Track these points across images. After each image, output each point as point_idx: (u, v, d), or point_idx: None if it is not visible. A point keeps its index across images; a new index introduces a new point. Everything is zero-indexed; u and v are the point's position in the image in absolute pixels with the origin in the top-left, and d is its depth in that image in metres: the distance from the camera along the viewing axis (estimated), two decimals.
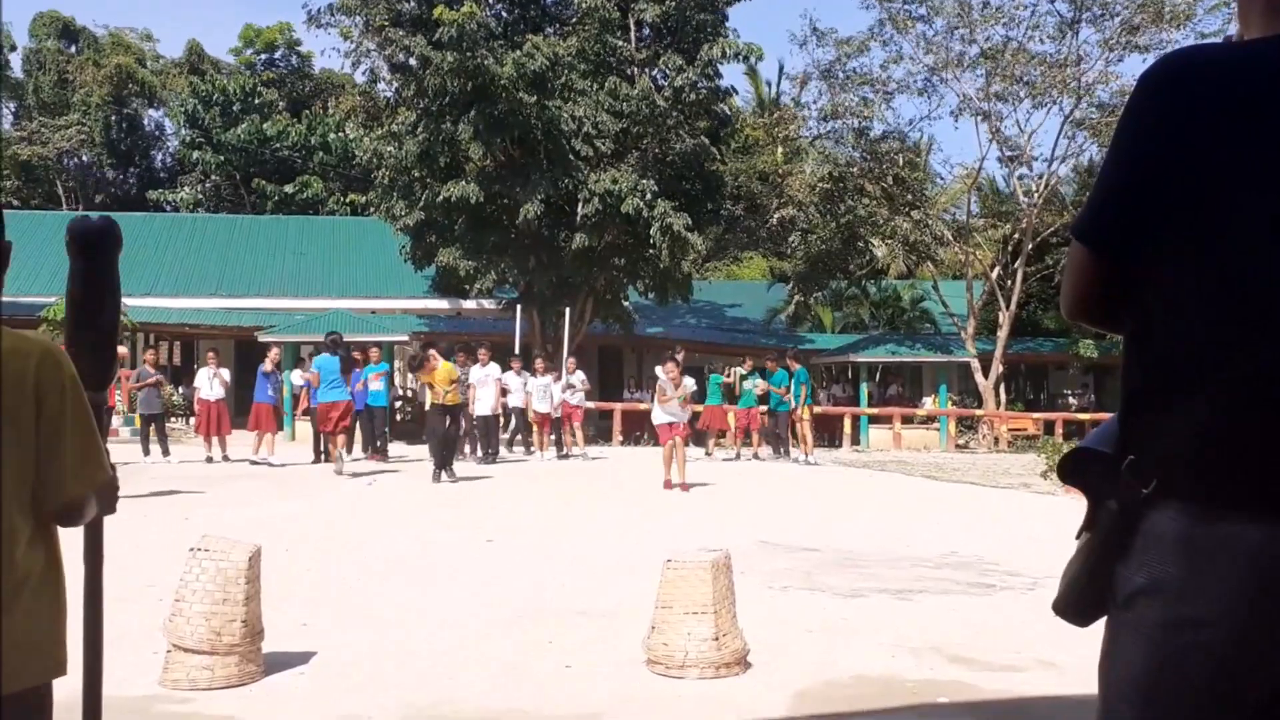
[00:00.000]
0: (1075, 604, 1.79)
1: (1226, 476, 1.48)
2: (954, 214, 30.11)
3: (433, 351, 14.25)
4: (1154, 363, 1.56)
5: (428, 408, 18.35)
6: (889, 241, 29.00)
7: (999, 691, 4.69)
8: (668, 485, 12.93)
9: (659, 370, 13.68)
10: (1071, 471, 1.76)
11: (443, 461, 13.29)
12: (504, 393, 17.32)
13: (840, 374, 31.04)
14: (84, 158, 45.54)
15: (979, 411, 26.98)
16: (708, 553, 5.05)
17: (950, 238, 28.08)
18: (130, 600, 5.60)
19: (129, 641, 4.86)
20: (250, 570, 4.65)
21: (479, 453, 16.90)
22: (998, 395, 27.40)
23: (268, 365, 16.86)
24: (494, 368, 17.43)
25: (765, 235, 30.70)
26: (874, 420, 26.10)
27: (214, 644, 4.51)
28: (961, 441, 25.76)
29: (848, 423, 25.26)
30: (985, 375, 26.89)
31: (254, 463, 15.68)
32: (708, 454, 18.39)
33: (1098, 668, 1.82)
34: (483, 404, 16.84)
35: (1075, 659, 5.14)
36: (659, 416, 13.63)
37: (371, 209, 26.29)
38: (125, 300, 25.06)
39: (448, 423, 13.59)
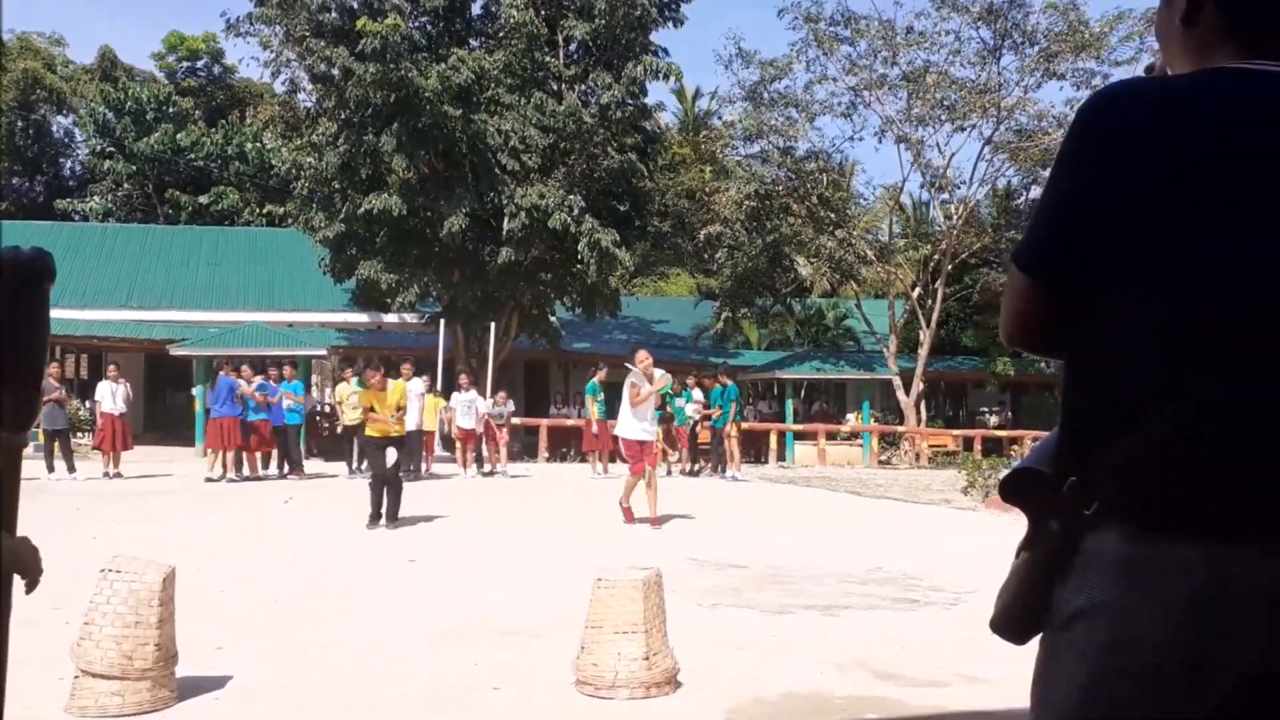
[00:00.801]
0: (1013, 622, 1.79)
1: (1165, 500, 1.49)
2: (876, 234, 30.64)
3: (377, 369, 11.55)
4: (1094, 388, 1.57)
5: (361, 431, 18.14)
6: (813, 260, 29.38)
7: (925, 707, 4.71)
8: (630, 518, 10.78)
9: (629, 364, 10.96)
10: (1013, 491, 1.76)
11: (378, 510, 10.58)
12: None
13: (766, 390, 31.32)
14: None
15: (901, 428, 27.39)
16: (638, 571, 4.99)
17: (873, 257, 28.54)
18: (35, 623, 5.36)
19: (32, 667, 4.64)
20: (164, 591, 4.46)
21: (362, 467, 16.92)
22: (919, 412, 27.87)
23: (244, 384, 16.48)
24: (417, 383, 17.22)
25: (692, 251, 30.88)
26: (799, 436, 26.37)
27: (125, 669, 4.32)
28: (884, 458, 26.12)
29: (774, 439, 25.47)
30: (907, 392, 27.34)
31: (210, 480, 15.61)
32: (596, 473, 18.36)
33: (1031, 688, 1.81)
34: (407, 419, 16.63)
35: (1000, 674, 5.20)
36: (629, 429, 10.79)
37: (290, 220, 25.86)
38: None
39: (389, 460, 10.72)
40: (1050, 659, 1.69)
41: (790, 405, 29.07)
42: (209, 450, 16.82)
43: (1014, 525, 10.70)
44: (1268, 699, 1.57)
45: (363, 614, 6.47)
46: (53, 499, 11.41)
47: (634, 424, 10.65)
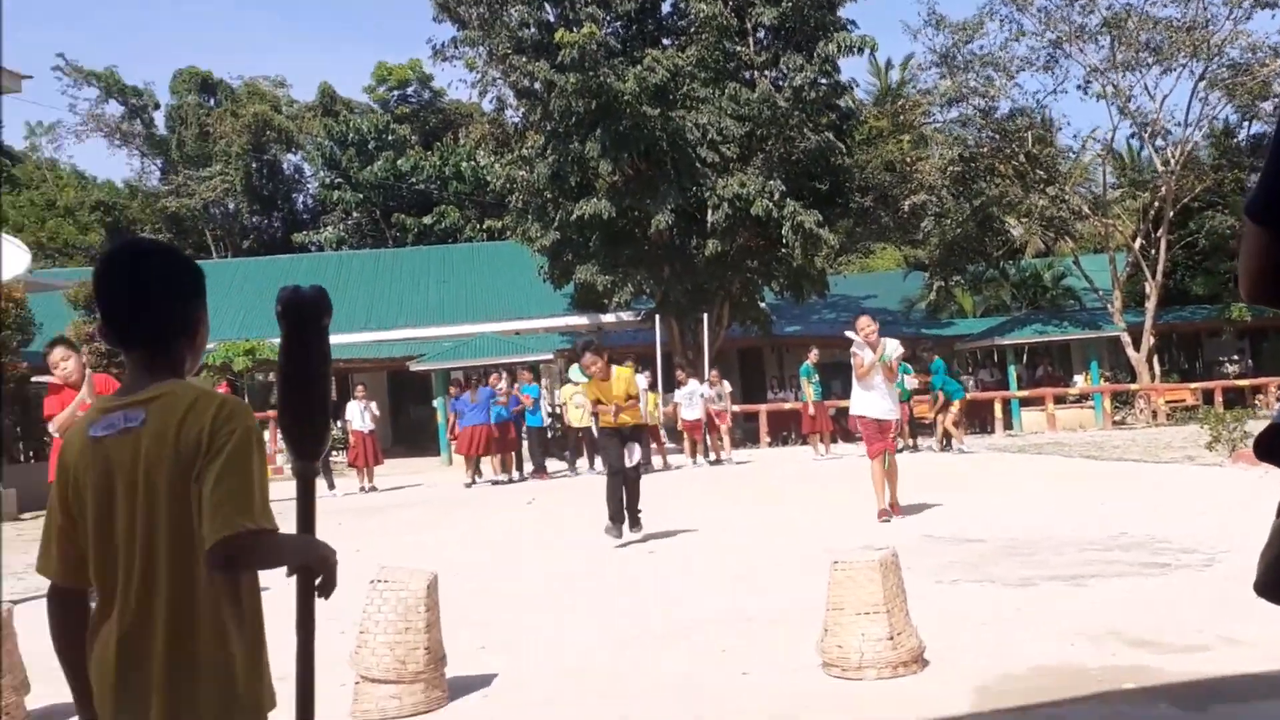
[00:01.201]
0: (1277, 584, 1.78)
1: None
2: (1089, 187, 29.07)
3: (598, 353, 9.70)
4: None
5: (589, 430, 18.87)
6: (1025, 220, 28.19)
7: (1186, 674, 4.56)
8: (883, 515, 9.55)
9: (850, 333, 9.79)
10: (1269, 449, 1.74)
11: (619, 510, 9.23)
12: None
13: (986, 358, 30.29)
14: (229, 206, 47.90)
15: (1133, 386, 25.95)
16: (874, 551, 5.05)
17: (1088, 211, 27.14)
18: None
19: (317, 676, 5.10)
20: (429, 598, 4.78)
21: (600, 465, 17.37)
22: (1151, 368, 26.33)
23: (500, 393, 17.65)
24: (640, 379, 17.72)
25: (896, 224, 30.21)
26: (1025, 403, 25.38)
27: (400, 672, 4.63)
28: (1118, 418, 24.82)
29: (998, 407, 24.62)
30: (1136, 348, 25.87)
31: (494, 482, 17.16)
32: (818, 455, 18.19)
33: None
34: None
35: (1263, 635, 4.97)
36: (867, 406, 9.52)
37: (508, 233, 26.98)
38: (277, 341, 26.50)
39: (625, 456, 9.24)
40: None
41: (1013, 371, 28.00)
42: (463, 455, 17.81)
43: (1265, 480, 10.03)
44: None
45: (611, 607, 6.77)
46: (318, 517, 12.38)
47: (866, 399, 9.50)
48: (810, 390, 18.57)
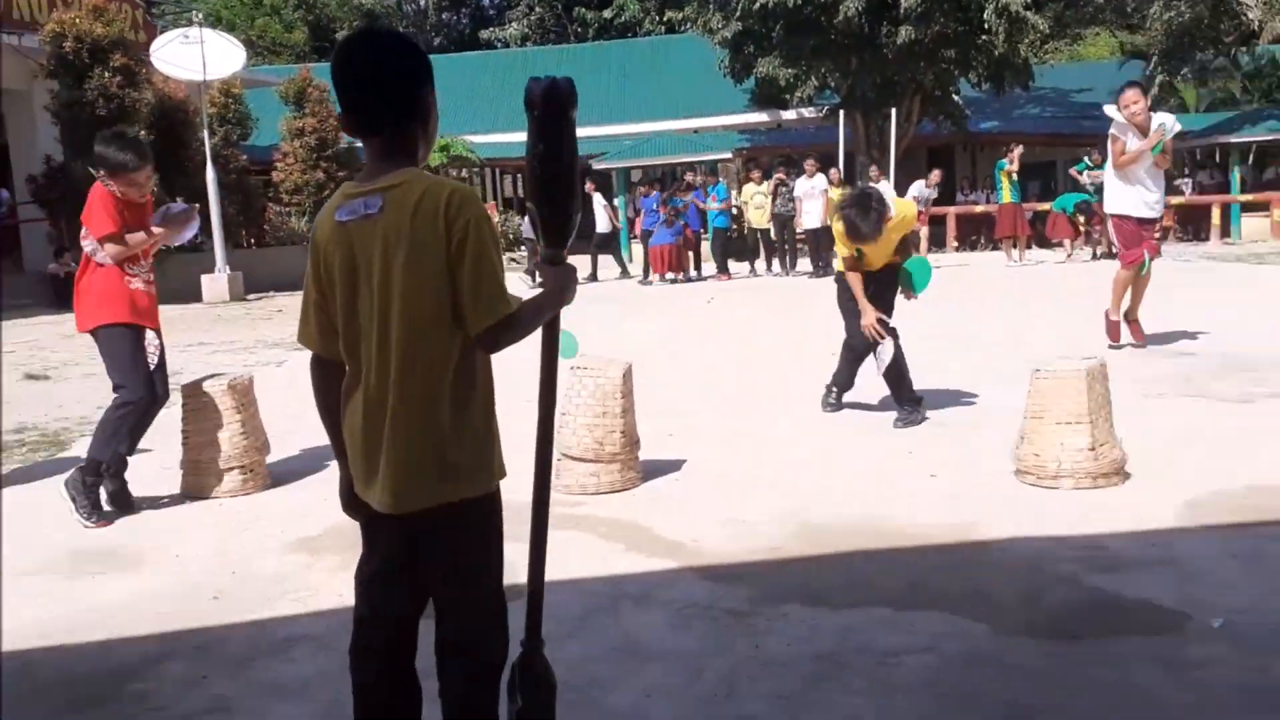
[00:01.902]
0: None
1: None
2: None
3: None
4: None
5: (759, 226, 18.60)
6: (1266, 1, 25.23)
7: None
8: (1115, 336, 8.01)
9: (1110, 109, 7.90)
10: None
11: (846, 381, 6.54)
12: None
13: (1207, 159, 27.92)
14: (419, 2, 48.05)
15: None
16: (1081, 360, 4.81)
17: None
18: (518, 415, 6.15)
19: (524, 453, 5.35)
20: (625, 385, 4.97)
21: (778, 268, 17.08)
22: None
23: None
24: (820, 179, 17.20)
25: (1113, 7, 27.56)
26: (1247, 209, 23.41)
27: (598, 453, 4.91)
28: None
29: (1216, 213, 22.83)
30: None
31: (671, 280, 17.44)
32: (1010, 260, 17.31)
33: None
34: (810, 217, 16.82)
35: None
36: (1126, 202, 7.76)
37: (688, 25, 26.06)
38: (470, 138, 26.42)
39: (884, 355, 6.03)
40: None
41: (1236, 174, 25.74)
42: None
43: None
44: None
45: (799, 403, 6.77)
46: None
47: (1125, 194, 7.75)
48: (1008, 190, 17.62)
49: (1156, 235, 7.72)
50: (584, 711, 2.80)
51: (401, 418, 2.09)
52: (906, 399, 6.11)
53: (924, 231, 18.44)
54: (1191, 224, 22.90)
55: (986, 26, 21.18)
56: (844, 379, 6.51)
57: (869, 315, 5.97)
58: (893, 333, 6.05)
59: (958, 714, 2.72)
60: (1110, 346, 7.77)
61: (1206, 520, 4.14)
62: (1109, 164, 7.87)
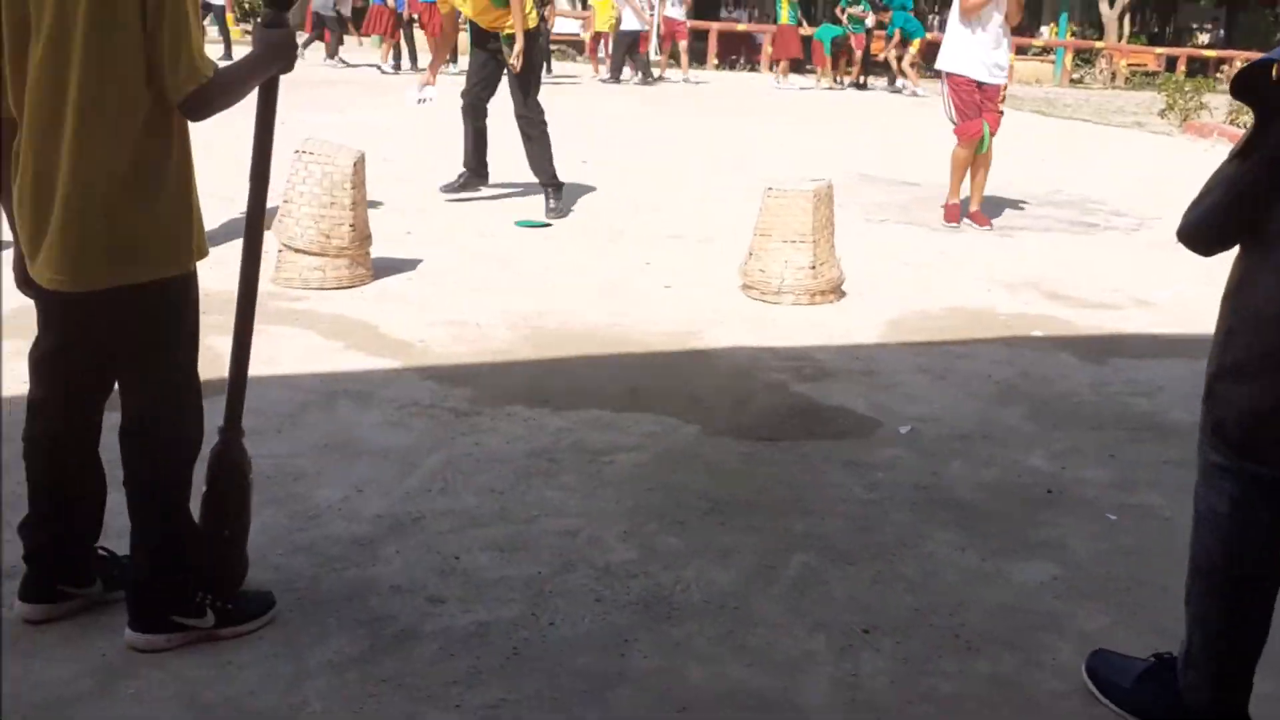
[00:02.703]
0: (1210, 231, 1.74)
1: None
2: None
3: None
4: None
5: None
6: None
7: (1093, 327, 4.71)
8: (954, 216, 6.73)
9: None
10: (1245, 85, 1.65)
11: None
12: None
13: None
14: None
15: (1098, 44, 25.24)
16: (809, 182, 4.96)
17: None
18: (236, 200, 5.75)
19: (235, 240, 5.03)
20: (356, 175, 4.70)
21: (604, 72, 16.72)
22: (1121, 26, 25.53)
23: None
24: None
25: None
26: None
27: (324, 246, 4.65)
28: (1077, 76, 24.35)
29: None
30: (1110, 4, 24.93)
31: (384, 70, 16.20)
32: (777, 84, 17.62)
33: (1222, 301, 1.77)
34: (630, 20, 16.42)
35: (1173, 299, 5.13)
36: (966, 60, 6.44)
37: None
38: None
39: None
40: (1253, 270, 1.65)
41: None
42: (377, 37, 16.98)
43: (1213, 151, 10.04)
44: None
45: (538, 211, 6.68)
46: None
47: (965, 51, 6.44)
48: (786, 12, 17.65)
49: (1000, 104, 6.67)
50: (290, 505, 2.73)
51: (76, 192, 1.89)
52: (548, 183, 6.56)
53: (683, 45, 18.27)
54: (934, 62, 23.97)
55: None
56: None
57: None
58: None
59: (660, 506, 2.84)
60: (946, 222, 6.73)
61: (906, 338, 4.46)
62: (954, 9, 6.55)
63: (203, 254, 2.08)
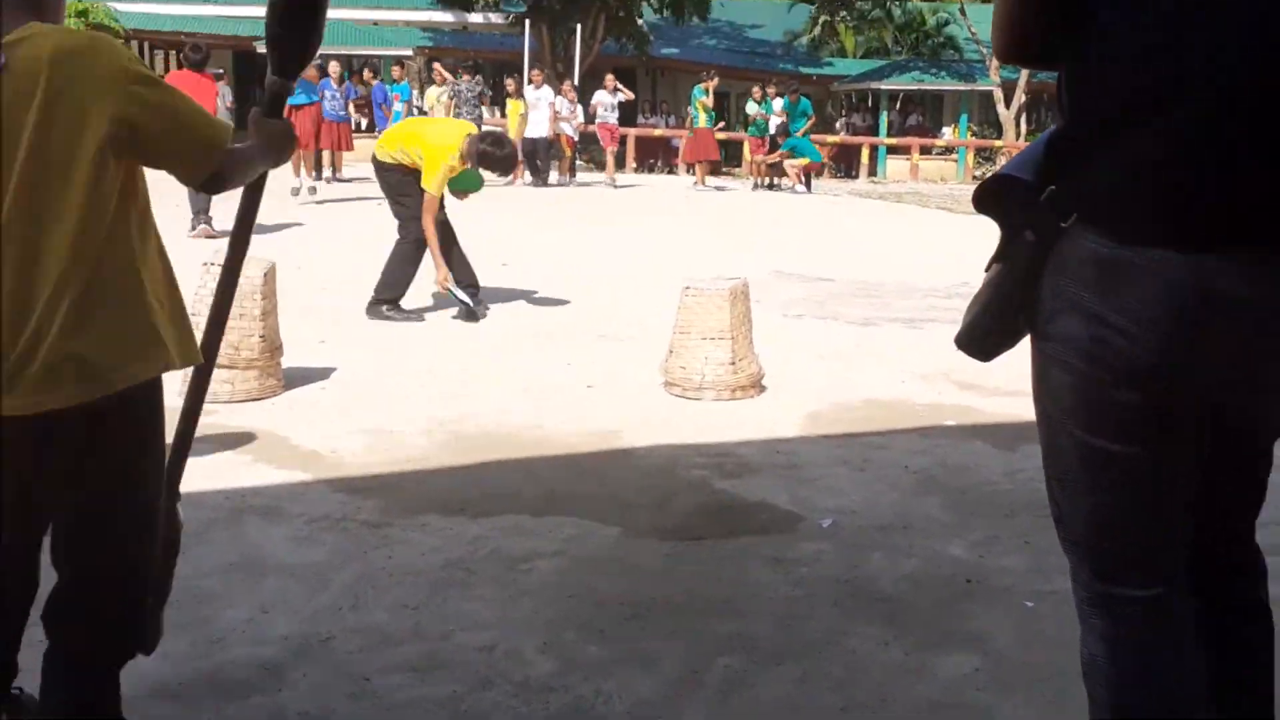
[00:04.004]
0: (981, 336, 1.76)
1: (1150, 213, 1.45)
2: None
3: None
4: (1087, 100, 1.51)
5: None
6: None
7: (1005, 415, 4.78)
8: None
9: None
10: (987, 199, 1.69)
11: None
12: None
13: (860, 102, 30.11)
14: None
15: (998, 143, 26.33)
16: (725, 280, 5.03)
17: None
18: None
19: None
20: (266, 285, 4.65)
21: (528, 177, 16.65)
22: (1018, 126, 26.71)
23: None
24: (547, 90, 16.89)
25: None
26: (892, 151, 25.53)
27: (233, 358, 4.54)
28: (979, 173, 25.32)
29: (865, 153, 24.74)
30: (1008, 105, 26.11)
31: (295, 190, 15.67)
32: (697, 184, 17.95)
33: (1033, 392, 1.79)
34: (536, 126, 16.50)
35: None
36: None
37: None
38: (115, 5, 23.52)
39: None
40: (1041, 373, 1.68)
41: (885, 118, 28.01)
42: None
43: None
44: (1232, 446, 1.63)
45: (451, 311, 6.65)
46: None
47: None
48: (704, 117, 18.06)
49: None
50: (194, 629, 2.60)
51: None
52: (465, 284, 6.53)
53: (611, 151, 18.54)
54: (844, 162, 24.68)
55: None
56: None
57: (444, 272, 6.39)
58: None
59: (582, 614, 2.77)
60: None
61: (826, 430, 4.48)
62: None
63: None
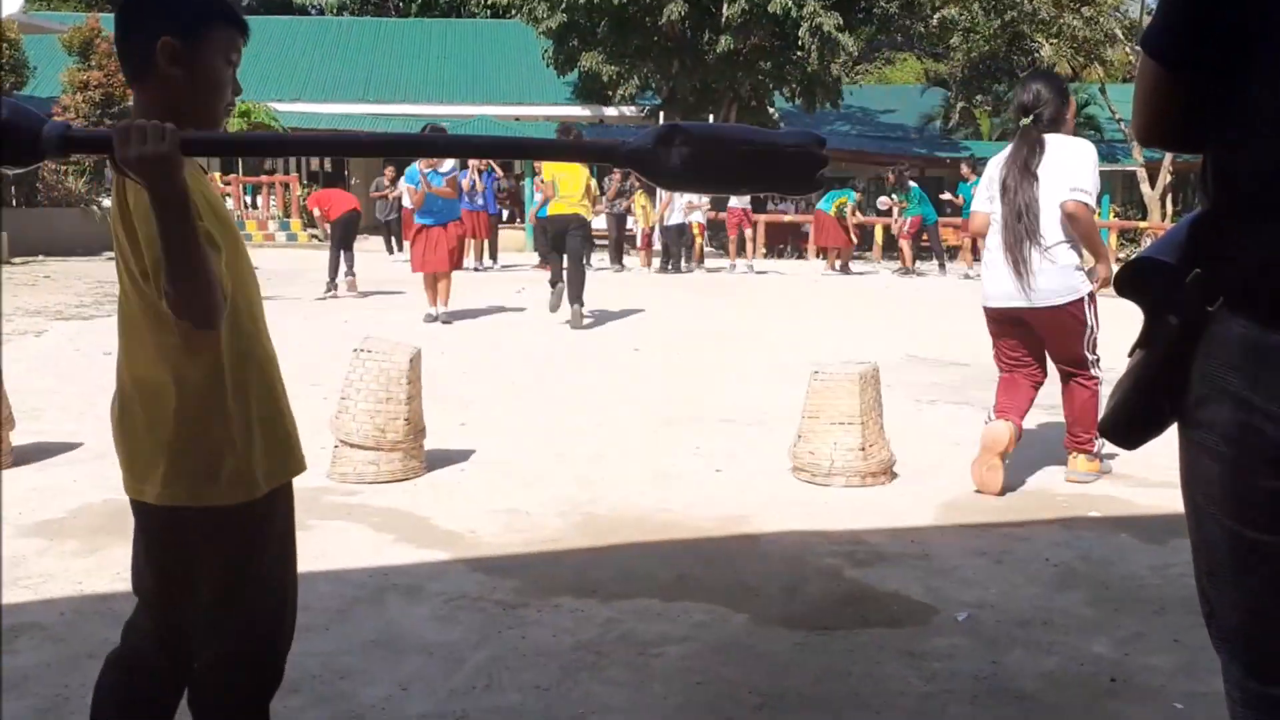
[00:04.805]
0: (1125, 424, 1.73)
1: None
2: (1125, 11, 27.78)
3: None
4: (1231, 180, 1.47)
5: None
6: (1054, 41, 27.07)
7: (1152, 506, 4.60)
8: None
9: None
10: (1130, 283, 1.67)
11: (558, 274, 10.44)
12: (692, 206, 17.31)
13: None
14: None
15: (1143, 224, 25.57)
16: (855, 364, 5.02)
17: (1121, 36, 26.02)
18: (297, 396, 5.91)
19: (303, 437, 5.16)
20: (412, 370, 4.84)
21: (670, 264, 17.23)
22: (1164, 206, 25.92)
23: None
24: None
25: (922, 33, 28.98)
26: None
27: (379, 440, 4.75)
28: (1123, 255, 24.57)
29: None
30: (1152, 185, 25.39)
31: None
32: (830, 269, 17.99)
33: (1180, 481, 1.75)
34: (673, 214, 17.09)
35: None
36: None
37: (513, 11, 25.84)
38: (274, 105, 25.13)
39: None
40: (1189, 462, 1.63)
41: None
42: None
43: None
44: None
45: (593, 398, 6.80)
46: (306, 286, 12.35)
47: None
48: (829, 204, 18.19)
49: None
50: (334, 705, 2.70)
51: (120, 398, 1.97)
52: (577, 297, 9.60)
53: (747, 234, 18.80)
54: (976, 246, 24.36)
55: (801, 44, 21.89)
56: (556, 272, 10.35)
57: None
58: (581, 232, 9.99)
59: (710, 702, 2.77)
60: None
61: (961, 520, 4.38)
62: None
63: (229, 495, 2.00)
